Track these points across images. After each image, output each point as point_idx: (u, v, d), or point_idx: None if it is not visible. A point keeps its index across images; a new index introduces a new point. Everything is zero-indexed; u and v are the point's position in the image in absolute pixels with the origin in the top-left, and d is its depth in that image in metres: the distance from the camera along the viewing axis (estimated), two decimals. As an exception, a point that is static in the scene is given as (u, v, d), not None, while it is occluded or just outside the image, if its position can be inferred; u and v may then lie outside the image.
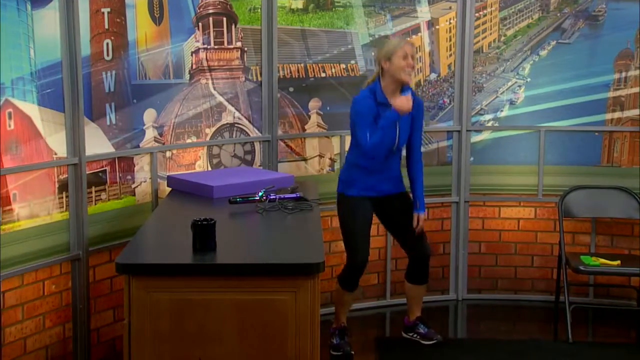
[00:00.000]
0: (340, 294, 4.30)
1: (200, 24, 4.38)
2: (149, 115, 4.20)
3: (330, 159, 4.88)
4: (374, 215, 4.26)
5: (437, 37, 5.03)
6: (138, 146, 4.15)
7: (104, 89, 3.97)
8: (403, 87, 4.04)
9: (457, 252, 5.16)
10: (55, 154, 3.78)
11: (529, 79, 5.09)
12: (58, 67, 3.74)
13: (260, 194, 3.68)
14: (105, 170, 4.00)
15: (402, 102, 3.90)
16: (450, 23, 5.03)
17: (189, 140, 4.40)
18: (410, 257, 4.33)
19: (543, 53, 5.08)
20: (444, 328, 4.87)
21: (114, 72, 4.00)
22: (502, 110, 5.11)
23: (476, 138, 5.11)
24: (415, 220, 4.23)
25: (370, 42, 4.83)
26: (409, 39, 4.94)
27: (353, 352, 4.29)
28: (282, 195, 3.72)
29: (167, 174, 4.23)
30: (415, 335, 4.43)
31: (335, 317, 4.36)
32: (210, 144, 4.50)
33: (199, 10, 4.38)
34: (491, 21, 5.07)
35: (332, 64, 4.83)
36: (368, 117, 3.97)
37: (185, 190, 4.00)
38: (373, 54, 4.11)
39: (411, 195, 4.25)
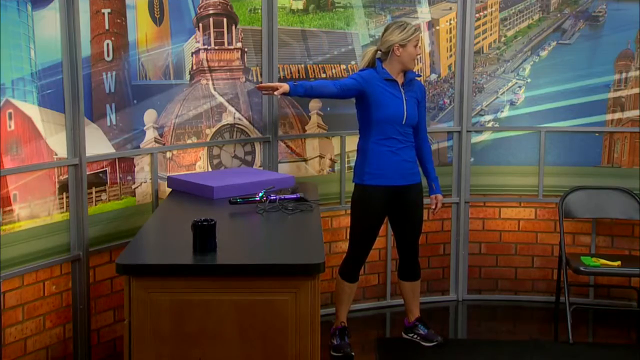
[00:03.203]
0: (341, 286, 4.31)
1: (200, 24, 4.39)
2: (150, 115, 4.20)
3: (331, 159, 4.88)
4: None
5: (437, 38, 5.03)
6: (138, 147, 4.16)
7: (105, 89, 3.97)
8: (406, 71, 4.17)
9: (457, 252, 5.16)
10: (56, 154, 3.78)
11: (529, 80, 5.09)
12: (58, 67, 3.75)
13: (260, 194, 3.68)
14: (106, 170, 4.00)
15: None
16: (450, 24, 5.03)
17: (189, 141, 4.40)
18: (401, 254, 4.37)
19: (543, 54, 5.08)
20: (444, 329, 4.87)
21: (114, 73, 4.00)
22: (502, 111, 5.11)
23: (476, 139, 5.11)
24: (434, 203, 4.31)
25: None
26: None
27: (353, 353, 4.29)
28: (282, 196, 3.71)
29: (168, 175, 4.23)
30: (415, 337, 4.44)
31: (336, 315, 4.36)
32: (211, 145, 4.50)
33: (199, 11, 4.38)
34: (491, 22, 5.07)
35: (332, 65, 4.83)
36: (351, 79, 4.09)
37: (185, 190, 4.00)
38: (385, 35, 4.14)
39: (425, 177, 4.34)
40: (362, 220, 4.20)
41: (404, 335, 4.49)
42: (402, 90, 4.15)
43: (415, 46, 4.11)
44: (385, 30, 4.17)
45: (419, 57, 4.25)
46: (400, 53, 4.10)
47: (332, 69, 4.82)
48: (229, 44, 4.51)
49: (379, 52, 4.19)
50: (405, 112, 4.12)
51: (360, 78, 4.11)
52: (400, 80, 4.17)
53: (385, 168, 4.14)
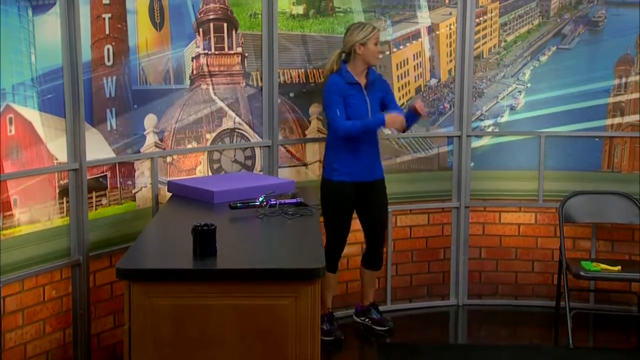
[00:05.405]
0: (324, 279, 4.36)
1: (200, 29, 4.39)
2: (150, 120, 4.20)
3: (331, 164, 4.88)
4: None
5: (437, 43, 5.04)
6: (139, 151, 4.16)
7: (105, 94, 3.97)
8: (369, 68, 4.40)
9: (457, 257, 5.15)
10: (56, 159, 3.78)
11: (529, 85, 5.09)
12: (59, 72, 3.75)
13: (260, 199, 3.68)
14: (106, 175, 4.00)
15: (395, 120, 4.27)
16: (450, 28, 5.03)
17: (189, 146, 4.40)
18: (367, 242, 4.57)
19: (543, 59, 5.08)
20: (444, 334, 4.86)
21: (114, 78, 4.00)
22: (502, 116, 5.11)
23: (476, 143, 5.11)
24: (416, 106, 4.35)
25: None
26: (408, 44, 4.96)
27: (343, 337, 4.42)
28: (282, 201, 3.71)
29: (168, 179, 4.23)
30: (367, 320, 4.66)
31: (322, 302, 4.38)
32: (211, 149, 4.50)
33: (199, 16, 4.38)
34: (491, 27, 5.08)
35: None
36: (335, 97, 4.29)
37: (185, 195, 4.00)
38: (346, 36, 4.40)
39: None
40: (334, 214, 4.38)
41: (355, 319, 4.70)
42: (365, 92, 4.34)
43: (376, 44, 4.33)
44: (346, 32, 4.40)
45: (380, 54, 4.46)
46: (361, 51, 4.31)
47: (332, 74, 4.81)
48: (229, 48, 4.51)
49: (343, 54, 4.39)
50: (369, 115, 4.33)
51: (337, 97, 4.28)
52: (363, 81, 4.35)
53: (351, 166, 4.34)
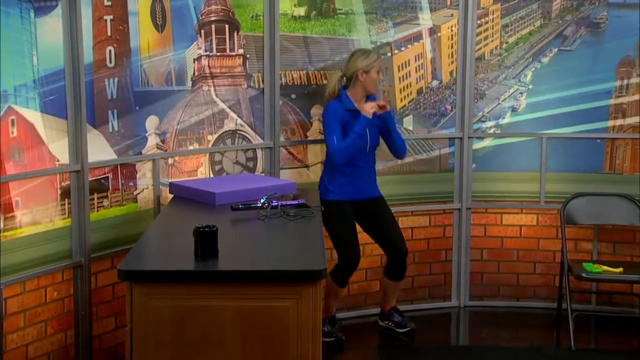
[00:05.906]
0: (332, 289, 4.46)
1: (202, 31, 4.39)
2: (151, 122, 4.20)
3: (332, 165, 4.88)
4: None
5: (439, 44, 5.04)
6: (140, 153, 4.16)
7: (107, 95, 3.97)
8: (368, 95, 4.42)
9: (459, 259, 5.15)
10: (58, 160, 3.79)
11: (530, 86, 5.09)
12: (61, 74, 3.75)
13: (262, 200, 3.68)
14: (108, 176, 4.01)
15: (368, 108, 4.29)
16: (452, 30, 5.03)
17: (191, 147, 4.41)
18: (389, 256, 4.56)
19: (545, 60, 5.08)
20: (446, 335, 4.86)
21: (116, 79, 4.01)
22: (503, 117, 5.11)
23: (478, 145, 5.11)
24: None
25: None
26: (410, 46, 4.96)
27: (344, 338, 4.45)
28: (284, 202, 3.71)
29: (169, 181, 4.23)
30: (390, 324, 4.70)
31: (325, 307, 4.45)
32: (213, 151, 4.50)
33: (201, 18, 4.39)
34: (493, 28, 5.08)
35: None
36: (334, 123, 4.32)
37: (187, 197, 4.00)
38: (350, 61, 4.43)
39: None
40: (336, 228, 4.38)
41: (380, 323, 4.74)
42: None
43: (378, 72, 4.38)
44: (350, 57, 4.43)
45: (381, 80, 4.51)
46: (363, 78, 4.36)
47: (333, 76, 4.81)
48: (230, 50, 4.52)
49: (344, 78, 4.42)
50: (368, 142, 4.34)
51: (336, 123, 4.30)
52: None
53: (346, 187, 4.40)
